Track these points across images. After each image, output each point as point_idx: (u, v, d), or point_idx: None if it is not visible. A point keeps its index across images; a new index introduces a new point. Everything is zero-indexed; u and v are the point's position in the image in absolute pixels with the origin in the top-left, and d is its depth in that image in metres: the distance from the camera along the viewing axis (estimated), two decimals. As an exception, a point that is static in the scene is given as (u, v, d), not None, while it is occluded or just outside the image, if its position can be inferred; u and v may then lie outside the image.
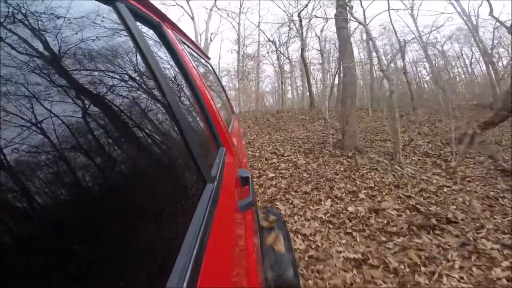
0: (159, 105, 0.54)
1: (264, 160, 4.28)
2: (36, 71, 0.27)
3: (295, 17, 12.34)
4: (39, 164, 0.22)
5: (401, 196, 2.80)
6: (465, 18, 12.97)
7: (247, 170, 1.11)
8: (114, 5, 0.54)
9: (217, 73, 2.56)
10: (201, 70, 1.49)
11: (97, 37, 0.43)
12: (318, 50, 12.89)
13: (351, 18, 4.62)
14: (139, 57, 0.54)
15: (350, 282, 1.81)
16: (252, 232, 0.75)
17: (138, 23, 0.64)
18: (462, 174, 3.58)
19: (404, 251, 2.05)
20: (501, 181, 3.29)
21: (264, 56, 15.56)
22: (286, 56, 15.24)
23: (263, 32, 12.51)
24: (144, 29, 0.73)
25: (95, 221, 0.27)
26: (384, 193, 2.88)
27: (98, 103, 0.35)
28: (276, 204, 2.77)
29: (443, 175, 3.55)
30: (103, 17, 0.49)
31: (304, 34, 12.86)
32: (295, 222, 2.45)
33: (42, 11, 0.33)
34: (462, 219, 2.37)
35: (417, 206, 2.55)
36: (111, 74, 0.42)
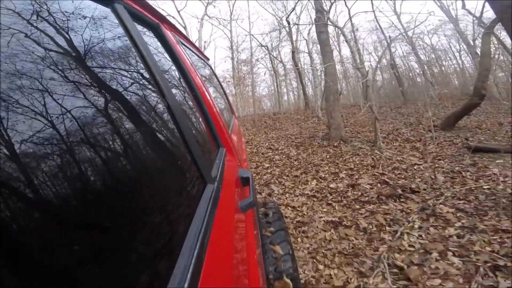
0: (158, 107, 0.55)
1: (260, 154, 4.79)
2: (31, 71, 0.27)
3: (284, 21, 12.98)
4: (36, 170, 0.23)
5: (376, 174, 3.29)
6: (446, 13, 13.61)
7: (247, 170, 1.12)
8: (112, 6, 0.55)
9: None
10: (201, 71, 1.50)
11: (95, 38, 0.43)
12: (307, 53, 13.47)
13: (329, 23, 5.16)
14: (137, 58, 0.55)
15: (329, 238, 2.28)
16: (253, 232, 0.76)
17: (136, 24, 0.64)
18: (435, 154, 4.06)
19: (373, 215, 2.51)
20: (467, 158, 3.76)
21: (258, 61, 16.19)
22: (279, 59, 15.83)
23: (255, 38, 13.09)
24: (143, 30, 0.73)
25: (96, 221, 0.27)
26: (361, 172, 3.38)
27: (97, 105, 0.35)
28: (271, 186, 3.26)
29: (417, 156, 4.03)
30: (101, 18, 0.49)
31: (294, 37, 13.48)
32: (286, 198, 2.94)
33: (39, 12, 0.33)
34: (424, 189, 2.84)
35: (387, 180, 3.04)
36: (109, 75, 0.42)
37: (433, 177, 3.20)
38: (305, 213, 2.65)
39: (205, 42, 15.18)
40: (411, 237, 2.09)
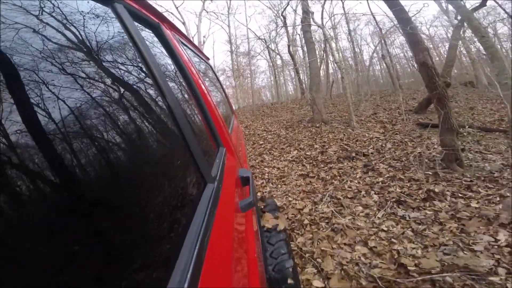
0: (158, 106, 0.56)
1: (257, 135, 5.88)
2: (31, 69, 0.27)
3: (280, 15, 13.72)
4: (40, 167, 0.23)
5: (341, 144, 4.35)
6: (438, 5, 14.22)
7: (247, 170, 1.14)
8: (112, 5, 0.56)
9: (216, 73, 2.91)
10: (200, 70, 1.51)
11: (95, 38, 0.44)
12: (299, 47, 14.30)
13: (312, 23, 6.08)
14: (137, 58, 0.56)
15: (299, 184, 3.36)
16: (253, 232, 0.77)
17: (136, 24, 0.66)
18: (395, 130, 5.08)
19: (330, 170, 3.58)
20: (417, 132, 4.77)
21: (258, 53, 16.97)
22: (277, 52, 16.61)
23: (253, 32, 13.87)
24: (143, 29, 0.75)
25: (97, 221, 0.28)
26: (331, 144, 4.44)
27: (97, 105, 0.35)
28: (263, 156, 4.34)
29: (381, 132, 5.06)
30: (101, 18, 0.50)
31: (290, 31, 14.26)
32: (274, 162, 4.03)
33: (40, 11, 0.34)
34: (371, 153, 3.89)
35: (347, 147, 4.10)
36: (109, 75, 0.43)
37: (383, 145, 4.24)
38: (286, 171, 3.74)
39: (204, 36, 15.90)
40: (352, 183, 3.13)
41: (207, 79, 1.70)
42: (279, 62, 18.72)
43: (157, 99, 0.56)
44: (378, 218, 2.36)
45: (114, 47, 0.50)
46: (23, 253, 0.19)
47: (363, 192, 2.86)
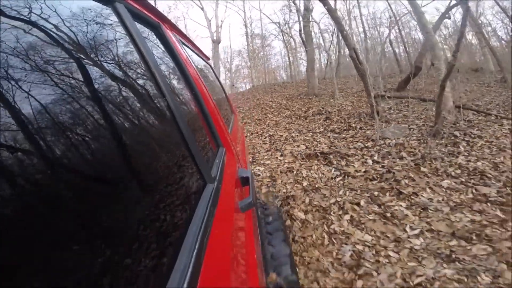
0: (158, 106, 0.57)
1: (265, 104, 8.37)
2: (31, 69, 0.27)
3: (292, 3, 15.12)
4: (39, 166, 0.24)
5: (319, 108, 6.59)
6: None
7: (247, 169, 1.13)
8: (113, 5, 0.57)
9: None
10: (201, 70, 1.56)
11: (95, 38, 0.45)
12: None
13: (311, 19, 8.02)
14: (138, 58, 0.57)
15: (285, 127, 5.70)
16: (252, 232, 0.79)
17: (137, 24, 0.67)
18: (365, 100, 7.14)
19: (306, 119, 5.93)
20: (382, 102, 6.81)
21: (274, 35, 18.41)
22: (290, 35, 18.17)
23: (267, 16, 15.32)
24: (144, 29, 0.76)
25: (96, 221, 0.28)
26: (313, 108, 6.69)
27: (97, 105, 0.36)
28: (267, 115, 6.73)
29: (352, 101, 7.17)
30: (102, 18, 0.51)
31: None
32: (274, 118, 6.42)
33: (40, 11, 0.34)
34: (334, 112, 6.11)
35: (321, 110, 6.35)
36: (109, 75, 0.44)
37: (345, 108, 6.40)
38: (279, 122, 6.12)
39: (221, 20, 17.55)
40: (312, 125, 5.54)
41: (207, 79, 1.74)
42: (293, 44, 20.17)
43: (157, 99, 0.57)
44: (317, 136, 4.74)
45: (115, 47, 0.51)
46: (17, 254, 0.19)
47: (316, 128, 5.20)
